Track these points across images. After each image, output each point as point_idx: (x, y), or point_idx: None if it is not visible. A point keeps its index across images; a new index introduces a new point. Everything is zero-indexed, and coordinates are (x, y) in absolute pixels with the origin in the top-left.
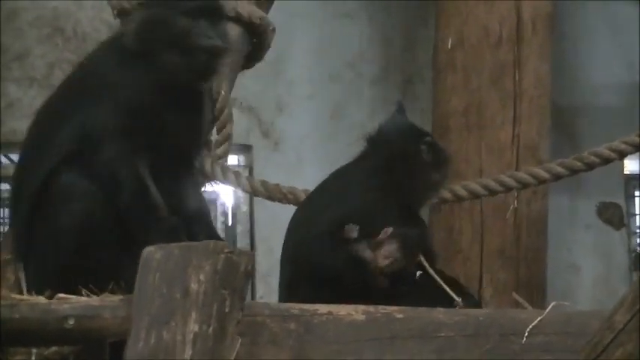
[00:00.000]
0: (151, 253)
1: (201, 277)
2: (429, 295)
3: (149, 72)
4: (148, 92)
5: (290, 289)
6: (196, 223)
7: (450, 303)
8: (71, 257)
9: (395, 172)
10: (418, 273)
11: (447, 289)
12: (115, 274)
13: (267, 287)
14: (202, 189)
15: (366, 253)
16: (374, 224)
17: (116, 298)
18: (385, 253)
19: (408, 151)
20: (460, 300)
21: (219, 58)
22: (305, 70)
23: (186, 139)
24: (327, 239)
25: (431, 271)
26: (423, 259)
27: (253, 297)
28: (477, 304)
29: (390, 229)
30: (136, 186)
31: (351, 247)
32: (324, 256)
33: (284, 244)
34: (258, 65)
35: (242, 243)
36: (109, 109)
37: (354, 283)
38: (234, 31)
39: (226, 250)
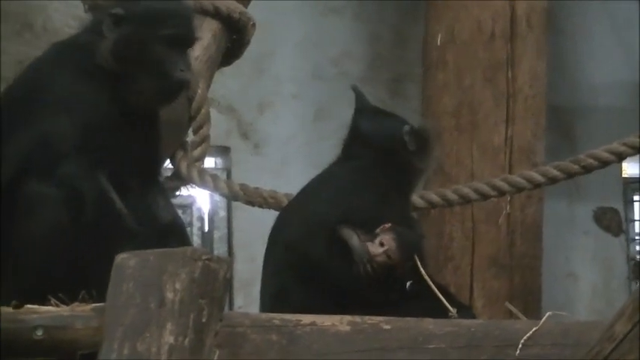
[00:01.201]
0: (125, 259)
1: (178, 285)
2: (419, 305)
3: (105, 88)
4: (105, 108)
5: (279, 298)
6: (169, 234)
7: (442, 314)
8: (40, 265)
9: (384, 168)
10: (409, 283)
11: (442, 298)
12: (86, 282)
13: (247, 297)
14: (173, 200)
15: (360, 244)
16: (369, 224)
17: (87, 308)
18: (381, 241)
19: (393, 146)
20: (455, 311)
21: (185, 91)
22: (288, 68)
23: (145, 153)
24: (323, 239)
25: (425, 276)
26: (418, 262)
27: (231, 308)
28: (473, 317)
29: (388, 224)
30: (99, 199)
31: (347, 242)
32: (321, 255)
33: (267, 251)
34: (239, 62)
35: (220, 250)
36: (67, 123)
37: (347, 281)
38: (212, 26)
39: (204, 257)
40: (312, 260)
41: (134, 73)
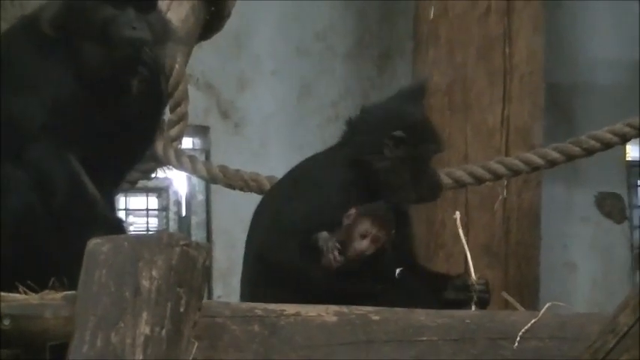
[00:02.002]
0: (98, 245)
1: (154, 273)
2: (410, 295)
3: (70, 62)
4: (71, 84)
5: (254, 289)
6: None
7: (432, 303)
8: (7, 251)
9: (364, 171)
10: (398, 270)
11: (470, 260)
12: (56, 269)
13: (226, 287)
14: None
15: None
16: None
17: (58, 296)
18: (361, 232)
19: (372, 144)
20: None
21: (143, 52)
22: (270, 43)
23: (123, 134)
24: (293, 241)
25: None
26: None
27: (210, 298)
28: (486, 288)
29: (352, 211)
30: (70, 184)
31: (320, 252)
32: (291, 259)
33: (247, 238)
34: (218, 37)
35: (197, 236)
36: (32, 102)
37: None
38: None
39: (182, 243)
40: (286, 270)
41: (80, 39)
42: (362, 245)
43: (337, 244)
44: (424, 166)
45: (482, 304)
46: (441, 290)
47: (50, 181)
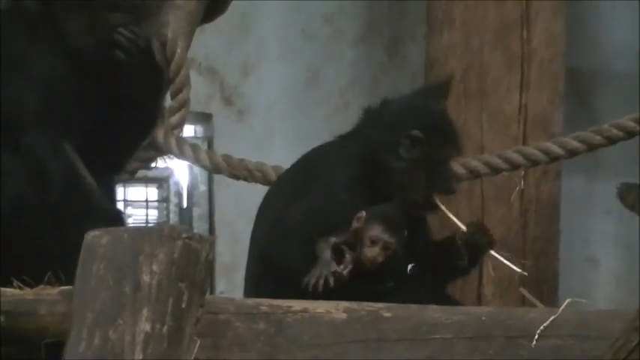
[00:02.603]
0: (96, 238)
1: (155, 267)
2: (422, 292)
3: (58, 42)
4: (62, 65)
5: (257, 287)
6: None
7: (445, 299)
8: (1, 245)
9: (375, 169)
10: (410, 266)
11: (453, 217)
12: (53, 263)
13: (229, 283)
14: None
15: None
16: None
17: (54, 292)
18: (372, 238)
19: (387, 142)
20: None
21: (133, 22)
22: (275, 27)
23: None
24: (296, 242)
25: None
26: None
27: (212, 294)
28: (486, 232)
29: (362, 213)
30: (65, 173)
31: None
32: (294, 260)
33: (252, 233)
34: (221, 20)
35: (199, 229)
36: (23, 87)
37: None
38: None
39: (184, 236)
40: (289, 272)
41: (63, 11)
42: (372, 252)
43: (346, 252)
44: (441, 168)
45: (482, 249)
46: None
47: (45, 171)
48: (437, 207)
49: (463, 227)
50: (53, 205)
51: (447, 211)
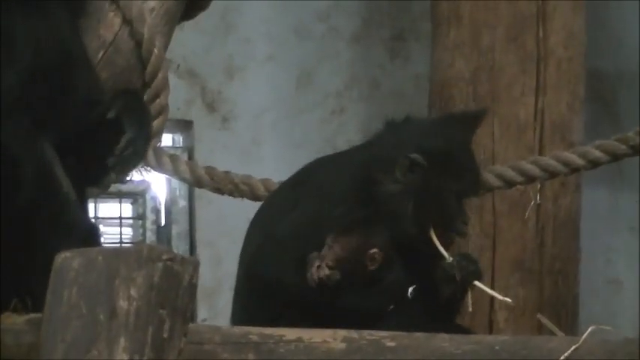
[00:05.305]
0: (67, 260)
1: (133, 292)
2: (424, 317)
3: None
4: (49, 45)
5: (245, 308)
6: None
7: (452, 326)
8: None
9: (370, 186)
10: (411, 289)
11: (439, 245)
12: (19, 287)
13: (212, 309)
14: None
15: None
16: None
17: (20, 320)
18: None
19: (385, 160)
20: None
21: None
22: (263, 24)
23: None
24: (284, 255)
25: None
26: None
27: (194, 321)
28: (474, 262)
29: (330, 235)
30: (39, 175)
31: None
32: (282, 274)
33: (242, 249)
34: (202, 16)
35: (179, 249)
36: (5, 70)
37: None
38: None
39: (165, 257)
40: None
41: None
42: (371, 267)
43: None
44: (446, 203)
45: (472, 277)
46: None
47: (17, 172)
48: (430, 244)
49: (449, 258)
50: (21, 212)
51: (435, 240)
